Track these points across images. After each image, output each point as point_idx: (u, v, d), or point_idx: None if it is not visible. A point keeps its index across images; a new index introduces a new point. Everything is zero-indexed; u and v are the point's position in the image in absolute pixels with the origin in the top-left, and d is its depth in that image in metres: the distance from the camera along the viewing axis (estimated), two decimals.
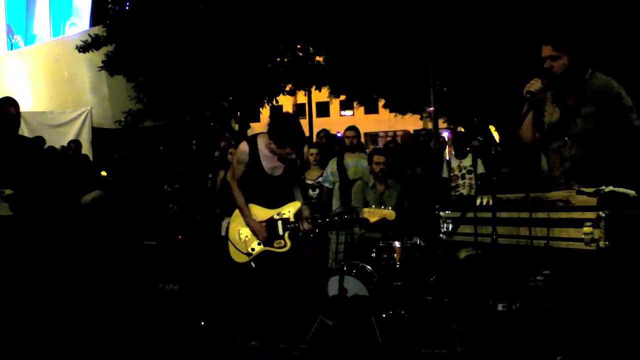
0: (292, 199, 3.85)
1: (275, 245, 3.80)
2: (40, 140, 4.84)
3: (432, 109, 11.40)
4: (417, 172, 6.44)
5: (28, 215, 4.05)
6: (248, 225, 3.82)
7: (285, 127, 3.66)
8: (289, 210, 3.81)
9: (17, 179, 4.01)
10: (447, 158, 6.35)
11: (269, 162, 3.78)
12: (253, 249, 3.84)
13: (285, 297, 3.79)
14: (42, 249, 4.26)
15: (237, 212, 3.92)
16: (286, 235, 3.78)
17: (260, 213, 3.86)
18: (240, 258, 3.89)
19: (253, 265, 3.82)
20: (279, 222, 3.80)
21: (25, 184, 4.05)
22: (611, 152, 2.93)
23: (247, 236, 3.86)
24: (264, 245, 3.81)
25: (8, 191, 4.00)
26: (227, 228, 4.04)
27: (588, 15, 7.21)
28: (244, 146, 3.80)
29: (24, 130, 9.65)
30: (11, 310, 3.87)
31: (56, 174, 4.91)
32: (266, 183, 3.79)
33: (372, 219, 3.80)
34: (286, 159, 3.72)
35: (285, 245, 3.78)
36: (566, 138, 3.04)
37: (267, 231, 3.79)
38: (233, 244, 3.91)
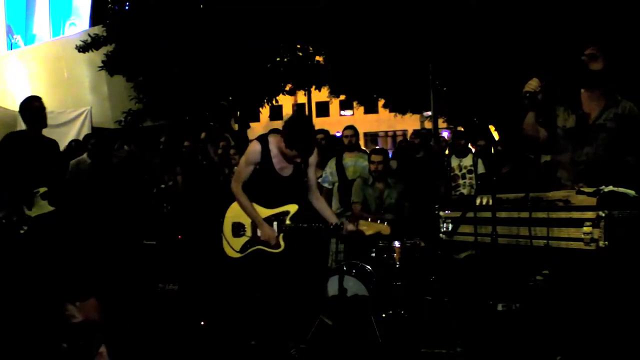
0: (294, 200, 3.80)
1: (268, 245, 3.75)
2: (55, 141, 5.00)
3: (429, 113, 11.41)
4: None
5: (69, 208, 4.19)
6: (260, 228, 3.75)
7: (298, 131, 3.61)
8: (287, 212, 3.78)
9: (48, 176, 4.17)
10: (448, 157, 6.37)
11: (279, 162, 3.75)
12: (246, 246, 3.81)
13: (280, 296, 3.74)
14: (85, 239, 4.37)
15: (232, 206, 3.87)
16: (280, 236, 3.74)
17: (259, 211, 3.81)
18: (233, 254, 3.85)
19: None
20: (275, 223, 3.77)
21: (56, 180, 4.20)
22: (628, 164, 3.03)
23: (241, 232, 3.83)
24: (257, 244, 3.78)
25: (42, 189, 4.14)
26: (221, 221, 3.97)
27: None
28: (256, 146, 3.75)
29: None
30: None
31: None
32: (275, 183, 3.77)
33: (368, 232, 3.76)
34: (293, 161, 3.70)
35: (278, 247, 3.75)
36: (585, 146, 3.12)
37: (275, 242, 3.74)
38: (226, 239, 3.86)
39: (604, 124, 3.11)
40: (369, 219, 3.81)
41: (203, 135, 7.28)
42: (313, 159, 3.83)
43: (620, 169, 3.00)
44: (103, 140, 6.70)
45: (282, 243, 3.74)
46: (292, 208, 3.78)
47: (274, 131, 3.85)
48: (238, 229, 3.85)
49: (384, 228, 3.76)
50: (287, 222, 3.75)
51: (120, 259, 5.34)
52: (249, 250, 3.80)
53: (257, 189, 3.79)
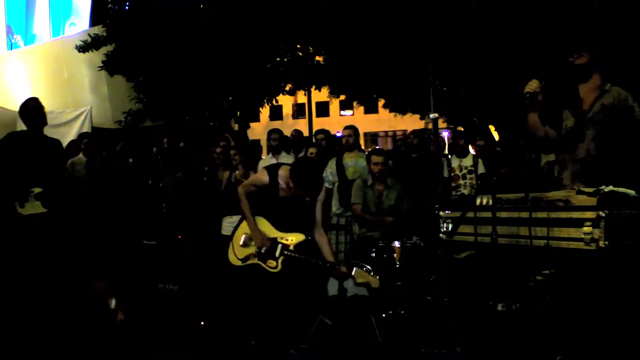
0: (300, 228, 3.93)
1: (267, 263, 3.90)
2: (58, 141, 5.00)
3: (435, 115, 11.38)
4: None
5: (61, 211, 4.19)
6: (252, 232, 3.93)
7: (306, 175, 3.79)
8: (292, 239, 3.91)
9: (46, 176, 4.17)
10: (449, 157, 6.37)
11: (286, 192, 3.90)
12: (248, 258, 3.95)
13: (281, 301, 3.85)
14: (77, 242, 4.36)
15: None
16: (280, 259, 3.87)
17: (267, 229, 3.96)
18: (234, 261, 4.02)
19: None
20: (279, 245, 3.91)
21: (53, 182, 4.20)
22: (620, 156, 3.01)
23: (249, 243, 3.98)
24: (258, 259, 3.92)
25: (37, 189, 4.14)
26: (235, 227, 4.13)
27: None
28: (264, 176, 3.95)
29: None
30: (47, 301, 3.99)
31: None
32: (280, 207, 3.93)
33: (358, 280, 3.89)
34: (302, 200, 3.86)
35: (276, 267, 3.88)
36: (580, 142, 3.12)
37: (267, 246, 3.89)
38: (233, 246, 4.02)
39: (592, 117, 3.11)
40: (364, 269, 3.93)
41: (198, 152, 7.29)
42: (321, 196, 4.00)
43: (618, 164, 2.99)
44: (97, 139, 6.71)
45: (279, 265, 3.86)
46: (299, 237, 3.91)
47: (285, 164, 4.07)
48: (247, 240, 3.99)
49: (374, 281, 3.90)
50: (291, 248, 3.88)
51: (119, 254, 5.35)
52: (249, 263, 3.94)
53: (265, 208, 3.97)
